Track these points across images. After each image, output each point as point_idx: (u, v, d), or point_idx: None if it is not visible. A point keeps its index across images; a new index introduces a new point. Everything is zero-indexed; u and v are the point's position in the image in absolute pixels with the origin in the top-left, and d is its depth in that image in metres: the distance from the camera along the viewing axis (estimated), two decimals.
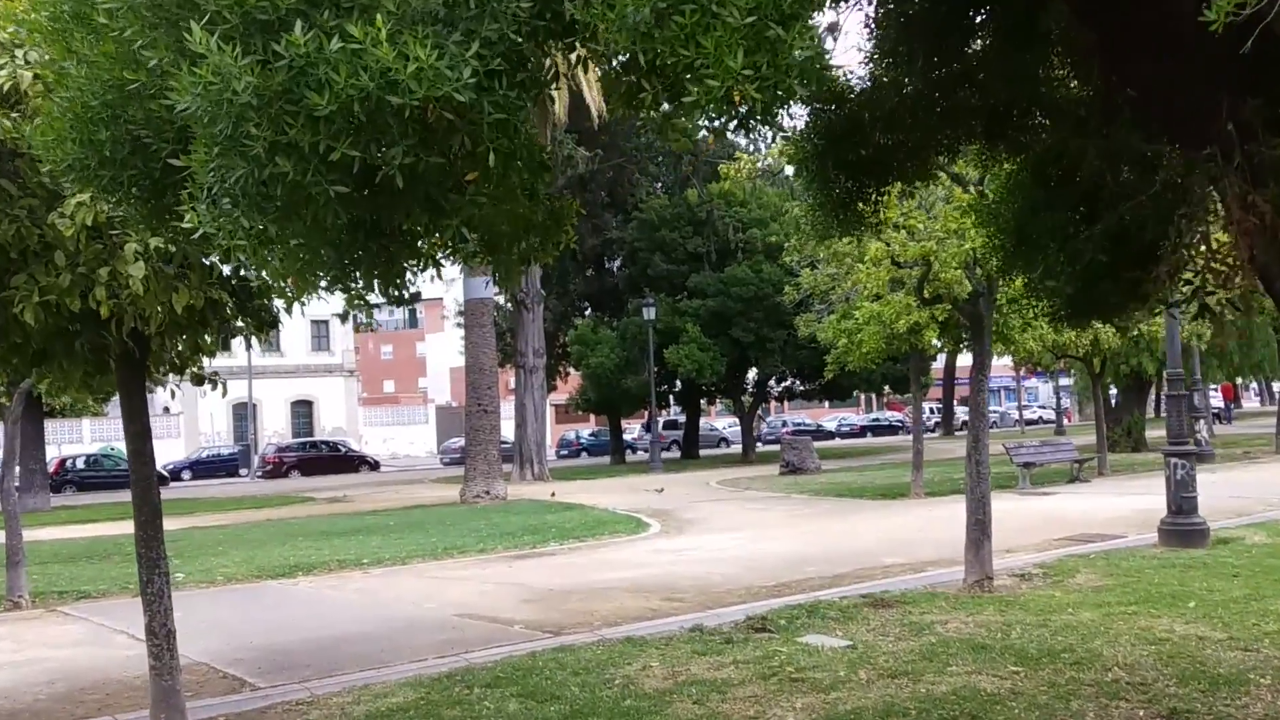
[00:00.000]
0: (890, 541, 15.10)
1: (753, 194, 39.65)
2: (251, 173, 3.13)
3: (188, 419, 56.08)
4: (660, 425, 42.80)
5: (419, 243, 3.64)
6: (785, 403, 61.62)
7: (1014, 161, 6.95)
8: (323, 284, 3.83)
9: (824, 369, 25.83)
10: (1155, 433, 38.25)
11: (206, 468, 51.19)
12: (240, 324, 6.98)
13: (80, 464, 45.07)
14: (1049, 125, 6.58)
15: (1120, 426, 35.15)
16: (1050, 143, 6.49)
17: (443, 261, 4.10)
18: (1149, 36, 5.17)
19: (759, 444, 49.77)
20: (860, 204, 6.85)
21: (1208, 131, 4.85)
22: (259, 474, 49.43)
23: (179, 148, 3.48)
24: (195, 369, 7.54)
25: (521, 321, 36.16)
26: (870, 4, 6.02)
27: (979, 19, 6.21)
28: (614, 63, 3.60)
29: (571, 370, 45.30)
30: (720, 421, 67.07)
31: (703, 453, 48.15)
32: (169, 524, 23.79)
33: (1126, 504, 18.38)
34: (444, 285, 56.36)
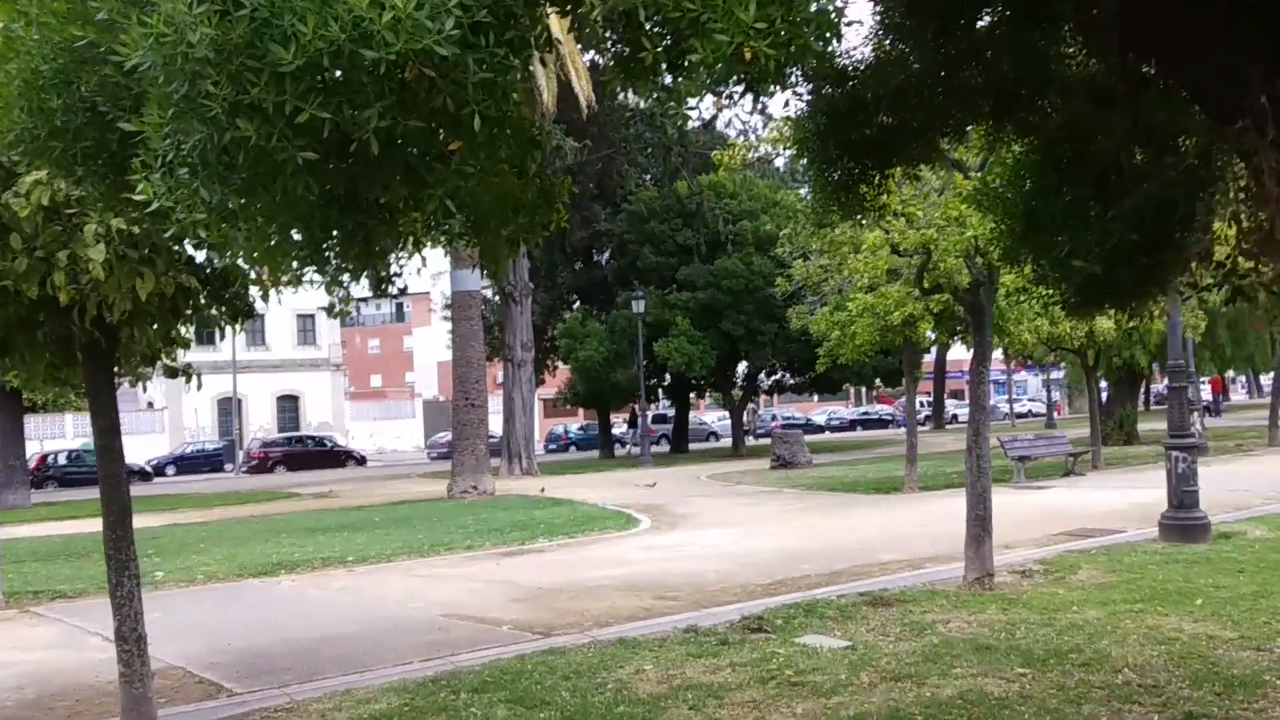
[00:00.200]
0: (886, 537, 14.84)
1: (743, 186, 39.38)
2: (210, 137, 2.81)
3: (172, 414, 55.54)
4: (649, 419, 42.53)
5: (399, 220, 3.32)
6: (774, 396, 61.33)
7: (1022, 143, 6.67)
8: (294, 265, 3.49)
9: (815, 362, 25.56)
10: (1146, 426, 38.17)
11: (191, 463, 50.68)
12: (214, 313, 6.67)
13: (62, 460, 44.54)
14: (1060, 105, 6.31)
15: (1112, 420, 34.94)
16: (1062, 122, 6.21)
17: (425, 241, 3.77)
18: (1177, 8, 4.90)
19: (749, 438, 49.57)
20: (863, 186, 6.60)
21: (1240, 105, 4.58)
22: (244, 469, 49.00)
23: (136, 115, 3.16)
24: (169, 361, 7.22)
25: (509, 314, 35.81)
26: None
27: None
28: (608, 21, 3.28)
29: (560, 364, 44.99)
30: (709, 415, 66.83)
31: (692, 447, 47.89)
32: (151, 520, 23.48)
33: (1123, 498, 18.15)
34: (431, 279, 56.05)
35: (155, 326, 6.34)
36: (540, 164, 4.61)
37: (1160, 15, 5.19)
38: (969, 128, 6.90)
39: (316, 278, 3.62)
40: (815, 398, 74.67)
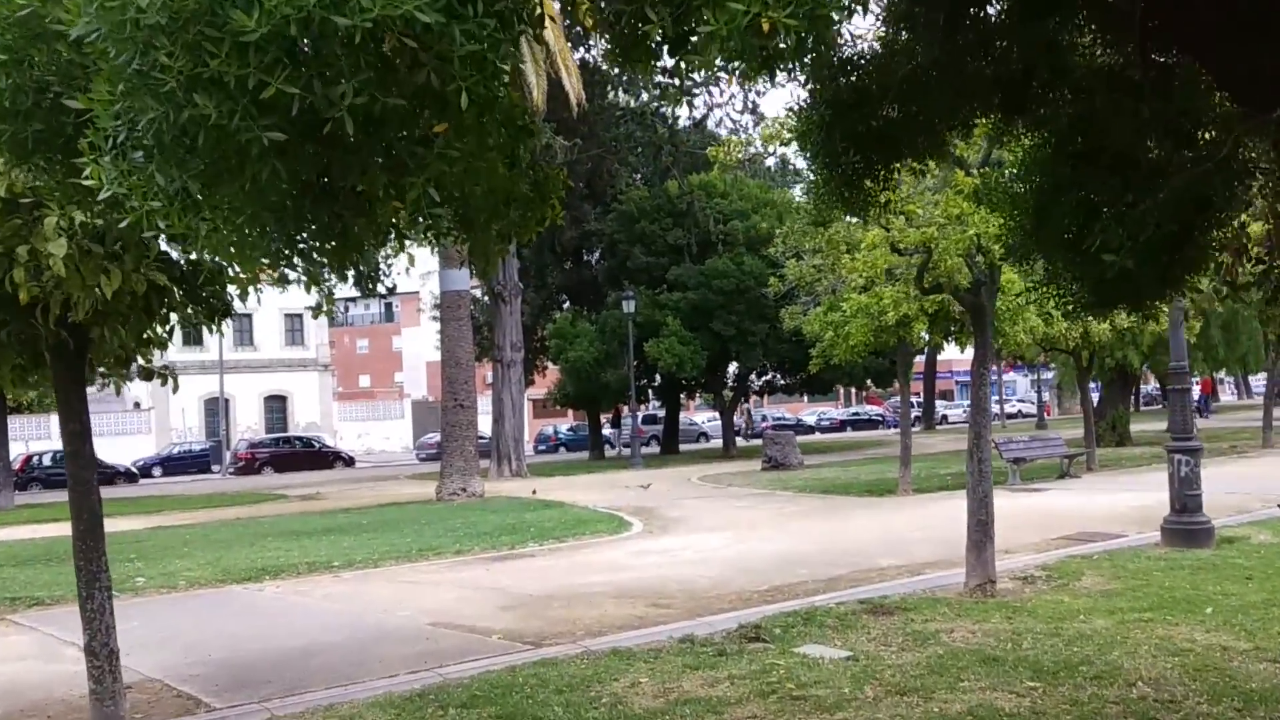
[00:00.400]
0: (884, 541, 14.57)
1: (734, 185, 39.14)
2: (166, 115, 2.51)
3: (158, 414, 55.07)
4: (639, 419, 42.27)
5: (378, 211, 3.03)
6: (765, 397, 61.09)
7: (1032, 137, 6.42)
8: (265, 261, 3.19)
9: (806, 362, 25.29)
10: (1137, 427, 38.03)
11: (177, 464, 50.26)
12: (191, 312, 6.36)
13: (47, 461, 44.02)
14: (1073, 97, 6.05)
15: (1105, 421, 34.76)
16: (1075, 115, 5.95)
17: (409, 235, 3.48)
18: None
19: (739, 439, 49.37)
20: (867, 181, 6.34)
21: (1277, 92, 4.33)
22: (231, 470, 48.58)
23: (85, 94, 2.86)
24: (144, 362, 6.91)
25: (499, 315, 35.50)
26: None
27: None
28: None
29: (550, 364, 44.68)
30: (699, 416, 66.60)
31: (682, 448, 47.63)
32: (135, 523, 23.11)
33: (1121, 501, 17.92)
34: (420, 279, 55.72)
35: (127, 327, 6.03)
36: (532, 154, 4.33)
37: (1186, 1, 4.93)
38: (977, 121, 6.65)
39: (300, 275, 3.34)
40: (805, 398, 74.60)
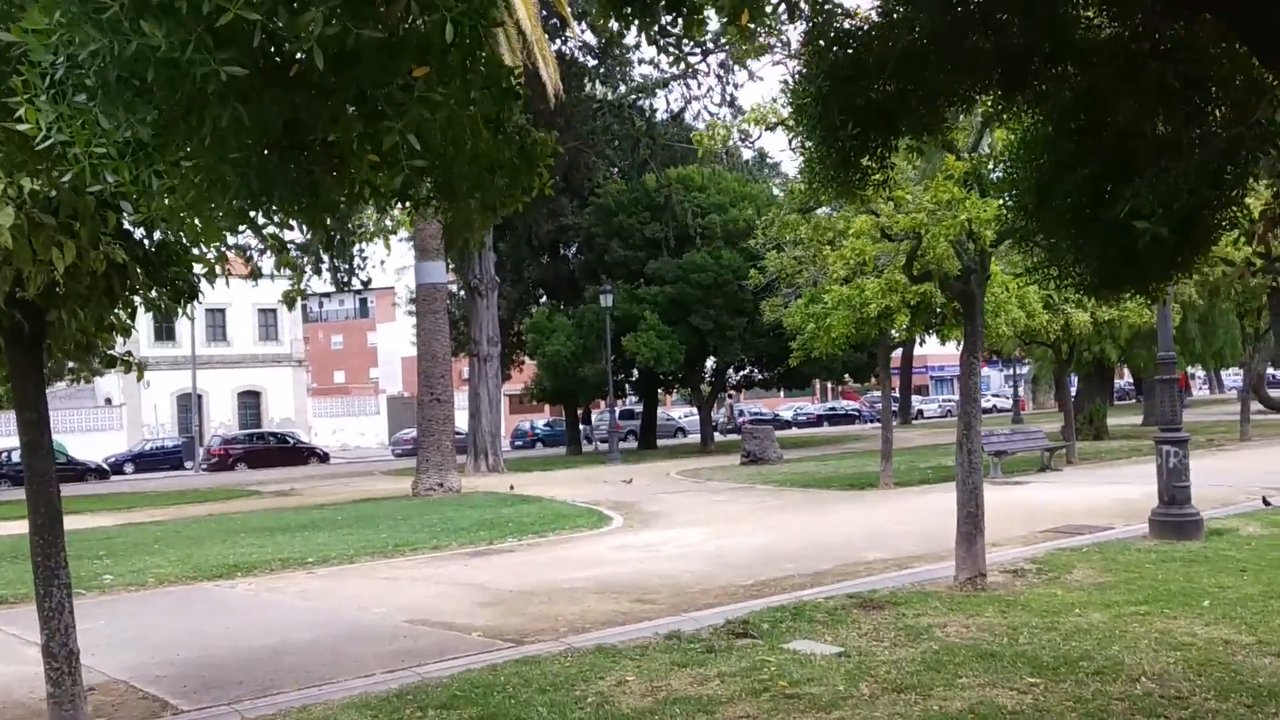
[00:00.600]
0: (869, 535, 14.35)
1: (711, 179, 38.90)
2: (110, 48, 2.21)
3: (130, 410, 54.33)
4: (617, 414, 41.99)
5: (351, 165, 2.74)
6: (742, 392, 60.95)
7: (1033, 114, 6.19)
8: (227, 223, 2.88)
9: (784, 357, 25.11)
10: (1113, 421, 38.01)
11: (150, 460, 49.61)
12: (155, 295, 6.03)
13: (14, 457, 43.28)
14: (1076, 71, 5.82)
15: (1082, 415, 34.75)
16: (1078, 90, 5.72)
17: (385, 196, 3.17)
18: None
19: (723, 433, 49.23)
20: (864, 159, 6.12)
21: None
22: (204, 466, 47.97)
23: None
24: (107, 350, 6.59)
25: (475, 309, 35.12)
26: None
27: None
28: None
29: (527, 359, 44.34)
30: (676, 411, 66.38)
31: (660, 443, 47.39)
32: (105, 520, 22.63)
33: (1104, 493, 17.81)
34: (395, 274, 55.22)
35: (87, 310, 5.70)
36: (518, 117, 4.04)
37: None
38: (977, 97, 6.42)
39: (267, 244, 3.05)
40: (781, 393, 74.55)
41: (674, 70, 37.10)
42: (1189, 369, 56.37)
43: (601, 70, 39.22)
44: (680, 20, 3.66)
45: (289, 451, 49.58)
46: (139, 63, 2.22)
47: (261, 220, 2.86)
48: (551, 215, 39.42)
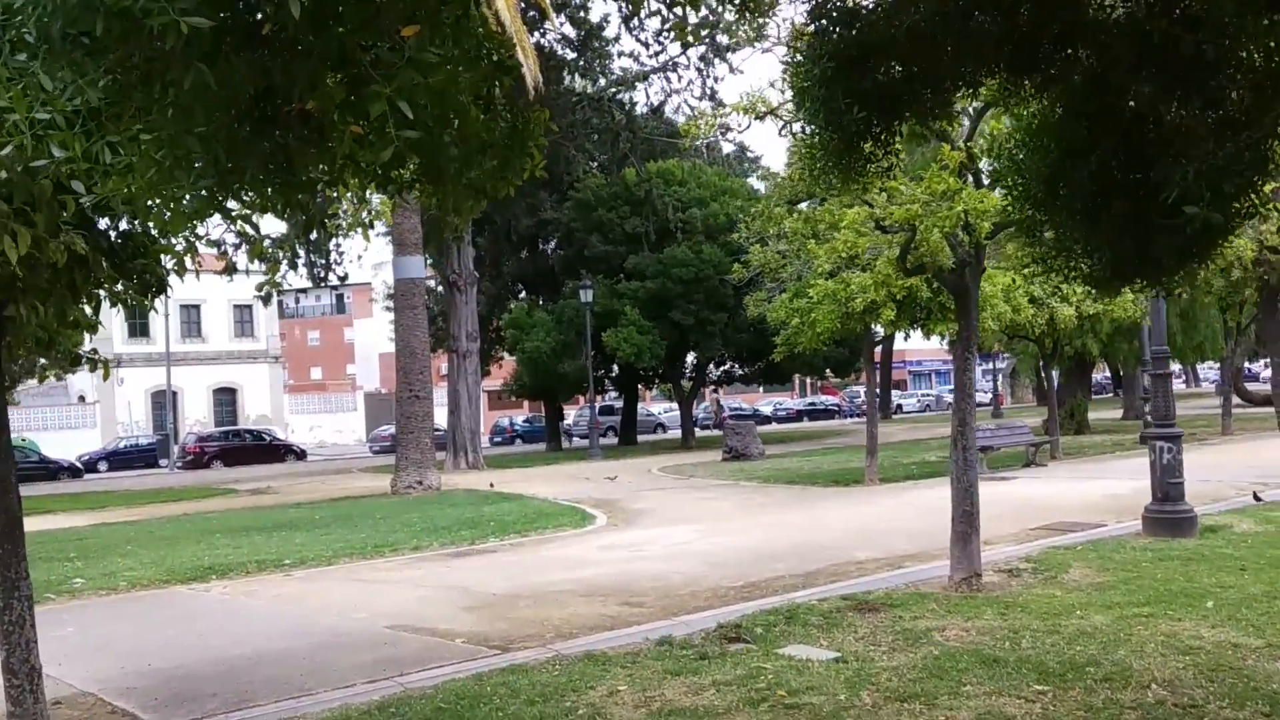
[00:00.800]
0: (858, 534, 14.11)
1: (692, 173, 38.63)
2: None
3: (104, 408, 53.64)
4: (597, 410, 41.69)
5: (331, 136, 2.43)
6: (722, 387, 60.79)
7: (1041, 99, 5.95)
8: (191, 204, 2.58)
9: (766, 352, 24.86)
10: (1092, 415, 37.93)
11: (124, 458, 49.04)
12: (120, 289, 5.71)
13: None
14: (1088, 54, 5.58)
15: (1064, 409, 34.65)
16: (1089, 74, 5.48)
17: (367, 172, 2.86)
18: None
19: (708, 429, 49.02)
20: (867, 144, 5.87)
21: None
22: (179, 465, 47.39)
23: None
24: (70, 346, 6.25)
25: (454, 304, 34.74)
26: None
27: None
28: None
29: (506, 355, 43.97)
30: (655, 407, 66.12)
31: (640, 438, 47.13)
32: (77, 520, 22.16)
33: (1093, 489, 17.65)
34: (373, 269, 54.69)
35: (48, 305, 5.37)
36: (508, 94, 3.74)
37: None
38: (984, 81, 6.17)
39: (214, 212, 2.74)
40: (761, 389, 74.39)
41: (654, 63, 36.79)
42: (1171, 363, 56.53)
43: (581, 63, 38.84)
44: None
45: (265, 449, 49.09)
46: (86, 14, 1.91)
47: (232, 204, 2.56)
48: (531, 210, 39.07)
